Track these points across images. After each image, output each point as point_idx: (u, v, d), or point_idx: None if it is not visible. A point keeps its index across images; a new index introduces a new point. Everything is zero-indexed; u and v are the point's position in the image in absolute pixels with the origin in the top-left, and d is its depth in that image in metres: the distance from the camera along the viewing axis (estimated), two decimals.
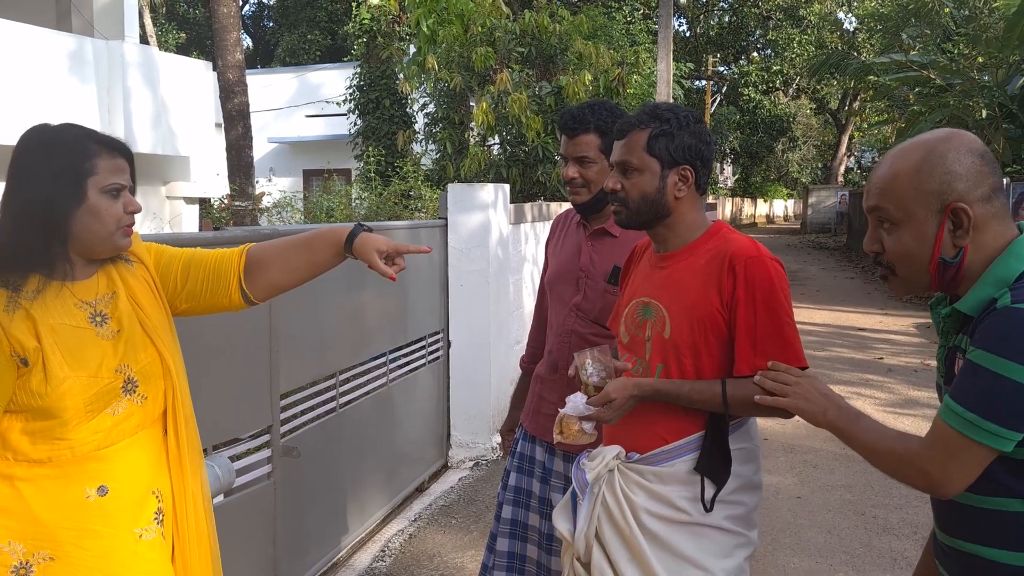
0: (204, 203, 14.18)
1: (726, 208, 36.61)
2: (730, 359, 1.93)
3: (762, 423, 1.95)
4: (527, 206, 6.25)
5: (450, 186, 5.30)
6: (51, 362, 1.59)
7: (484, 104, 7.87)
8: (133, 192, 1.75)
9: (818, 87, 34.22)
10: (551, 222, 2.95)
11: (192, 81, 13.08)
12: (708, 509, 1.91)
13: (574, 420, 2.00)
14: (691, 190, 2.01)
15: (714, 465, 1.93)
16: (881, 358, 8.85)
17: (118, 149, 1.71)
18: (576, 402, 1.99)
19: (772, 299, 1.89)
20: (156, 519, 1.74)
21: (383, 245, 1.85)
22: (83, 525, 1.63)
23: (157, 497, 1.75)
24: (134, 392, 1.71)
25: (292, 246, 1.95)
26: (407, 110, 15.55)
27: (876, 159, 35.81)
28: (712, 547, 1.93)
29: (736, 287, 1.89)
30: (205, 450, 2.06)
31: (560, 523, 2.12)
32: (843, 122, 36.48)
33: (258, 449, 3.20)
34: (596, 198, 2.53)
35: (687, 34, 34.33)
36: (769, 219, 48.54)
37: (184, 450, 1.80)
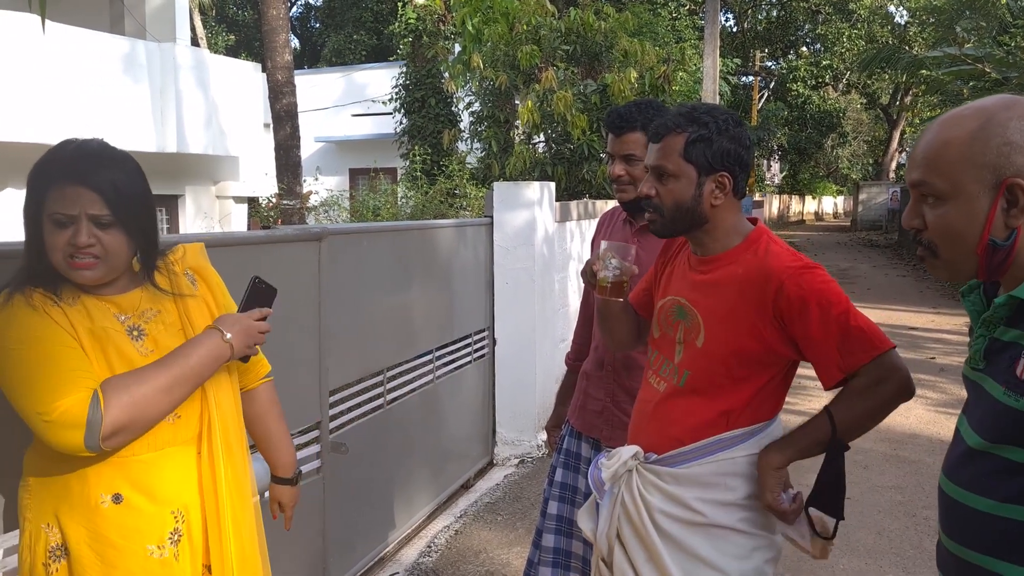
0: (253, 202, 14.41)
1: (773, 205, 36.14)
2: (766, 375, 1.90)
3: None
4: (572, 204, 6.25)
5: (496, 184, 5.31)
6: (89, 360, 1.61)
7: (529, 102, 7.88)
8: (104, 224, 1.63)
9: (868, 82, 33.63)
10: (597, 220, 2.95)
11: (241, 82, 13.30)
12: (831, 536, 1.87)
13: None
14: (729, 197, 1.94)
15: (832, 498, 1.86)
16: (933, 358, 8.68)
17: (78, 179, 1.62)
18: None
19: (833, 300, 1.83)
20: (171, 539, 1.70)
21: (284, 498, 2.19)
22: (97, 528, 1.64)
23: (176, 517, 1.71)
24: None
25: (257, 429, 2.10)
26: (452, 109, 15.62)
27: None
28: (729, 548, 1.90)
29: (791, 304, 1.83)
30: (254, 447, 2.08)
31: (584, 523, 2.12)
32: (895, 117, 35.80)
33: (307, 445, 3.25)
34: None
35: (734, 29, 33.93)
36: (818, 216, 47.81)
37: (220, 471, 1.76)
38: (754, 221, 2.03)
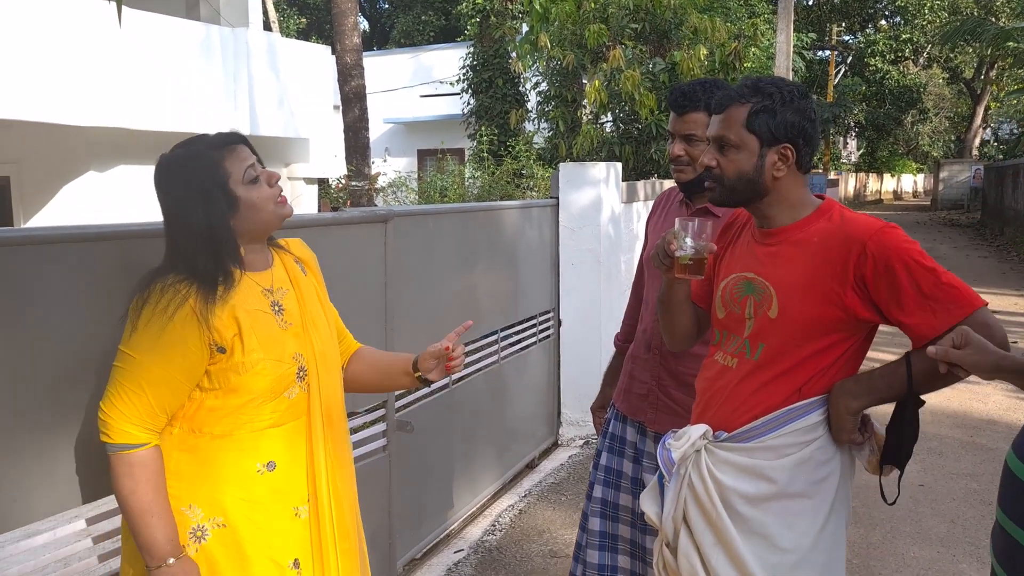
0: (322, 183, 14.64)
1: (849, 184, 35.19)
2: (846, 343, 1.86)
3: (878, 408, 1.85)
4: (639, 184, 6.18)
5: (561, 165, 5.29)
6: (249, 344, 1.75)
7: (597, 82, 7.80)
8: (262, 163, 1.84)
9: (951, 55, 32.40)
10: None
11: (312, 65, 13.48)
12: (893, 499, 1.87)
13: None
14: (792, 169, 1.90)
15: (901, 451, 1.85)
16: (1015, 342, 8.37)
17: (231, 140, 1.80)
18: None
19: (918, 259, 1.77)
20: (309, 501, 1.86)
21: (434, 351, 2.05)
22: (252, 496, 1.77)
23: (309, 481, 1.88)
24: (303, 380, 1.85)
25: (379, 363, 2.20)
26: (519, 89, 15.59)
27: (1014, 131, 33.72)
28: (801, 523, 1.86)
29: (876, 266, 1.78)
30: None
31: (648, 506, 2.09)
32: (978, 92, 34.45)
33: (374, 423, 3.30)
34: (701, 176, 2.49)
35: (810, 2, 33.00)
36: (897, 195, 46.39)
37: (326, 442, 1.90)
38: (821, 198, 1.99)
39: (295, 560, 1.82)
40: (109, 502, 2.00)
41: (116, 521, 2.04)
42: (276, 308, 1.85)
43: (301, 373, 1.85)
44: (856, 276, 1.80)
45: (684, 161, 2.51)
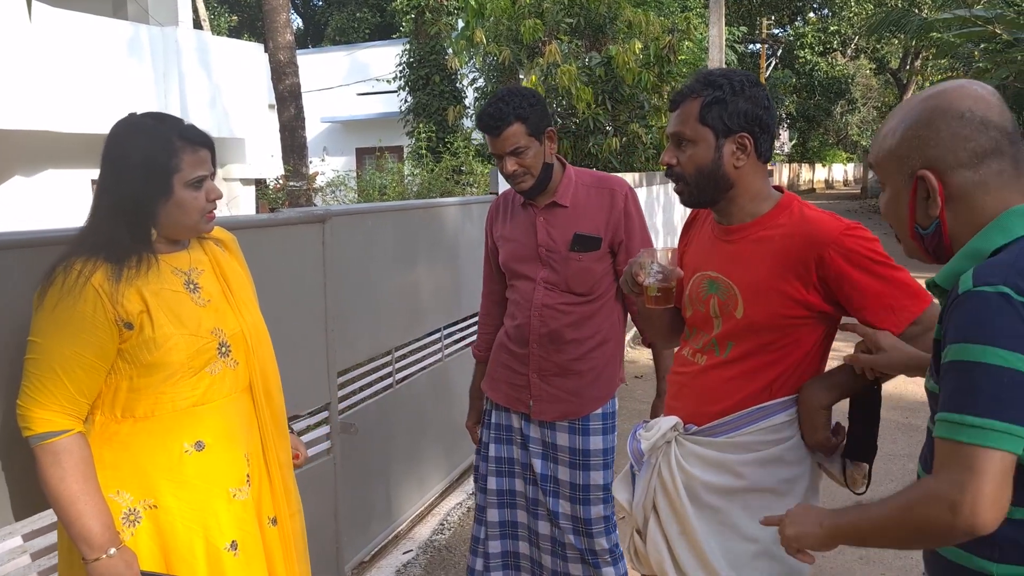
0: (260, 184, 14.42)
1: (783, 174, 35.92)
2: (810, 339, 1.87)
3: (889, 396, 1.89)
4: None
5: None
6: (158, 321, 1.72)
7: (533, 77, 7.83)
8: (214, 177, 1.85)
9: (877, 46, 33.24)
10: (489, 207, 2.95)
11: (245, 64, 13.26)
12: (863, 489, 1.84)
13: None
14: (752, 159, 1.89)
15: (865, 445, 1.85)
16: None
17: (202, 143, 1.81)
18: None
19: (878, 259, 1.79)
20: (247, 481, 1.85)
21: None
22: (181, 478, 1.75)
23: (247, 460, 1.87)
24: (227, 355, 1.84)
25: None
26: (457, 85, 15.55)
27: None
28: (766, 514, 1.87)
29: (837, 266, 1.79)
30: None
31: (620, 493, 2.12)
32: (904, 82, 35.38)
33: (317, 426, 3.26)
34: (539, 179, 2.58)
35: None
36: (828, 184, 47.51)
37: (269, 419, 1.94)
38: (780, 189, 1.99)
39: (232, 542, 1.79)
40: (47, 516, 1.95)
41: (54, 536, 1.99)
42: (191, 287, 1.83)
43: (223, 348, 1.82)
44: (819, 277, 1.82)
45: (521, 174, 2.56)
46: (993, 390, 1.17)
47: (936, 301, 1.75)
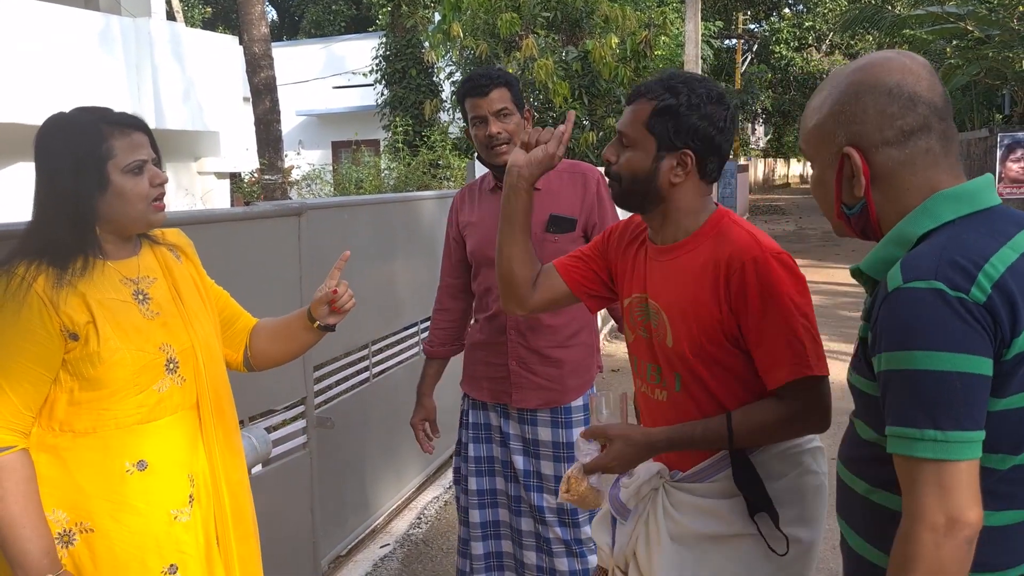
0: (235, 178, 14.31)
1: (758, 169, 36.14)
2: (751, 368, 1.72)
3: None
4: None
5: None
6: (104, 333, 1.63)
7: (511, 71, 7.82)
8: (158, 163, 1.74)
9: (852, 42, 33.51)
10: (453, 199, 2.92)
11: (219, 56, 13.14)
12: (776, 526, 1.72)
13: (582, 478, 1.82)
14: (692, 178, 1.75)
15: (751, 489, 1.73)
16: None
17: (132, 125, 1.71)
18: (588, 450, 1.81)
19: (780, 303, 1.65)
20: (190, 502, 1.75)
21: (321, 296, 2.03)
22: (121, 499, 1.66)
23: (191, 481, 1.77)
24: (175, 372, 1.75)
25: (279, 331, 2.11)
26: (433, 79, 15.50)
27: None
28: (754, 562, 1.77)
29: (739, 293, 1.67)
30: (242, 422, 2.08)
31: (599, 536, 2.02)
32: None
33: (294, 420, 3.25)
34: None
35: None
36: (803, 179, 47.87)
37: (217, 436, 1.83)
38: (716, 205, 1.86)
39: (171, 566, 1.71)
40: None
41: None
42: (140, 297, 1.73)
43: (171, 365, 1.73)
44: (728, 299, 1.70)
45: (503, 139, 2.50)
46: (945, 398, 1.11)
47: (825, 379, 1.67)
